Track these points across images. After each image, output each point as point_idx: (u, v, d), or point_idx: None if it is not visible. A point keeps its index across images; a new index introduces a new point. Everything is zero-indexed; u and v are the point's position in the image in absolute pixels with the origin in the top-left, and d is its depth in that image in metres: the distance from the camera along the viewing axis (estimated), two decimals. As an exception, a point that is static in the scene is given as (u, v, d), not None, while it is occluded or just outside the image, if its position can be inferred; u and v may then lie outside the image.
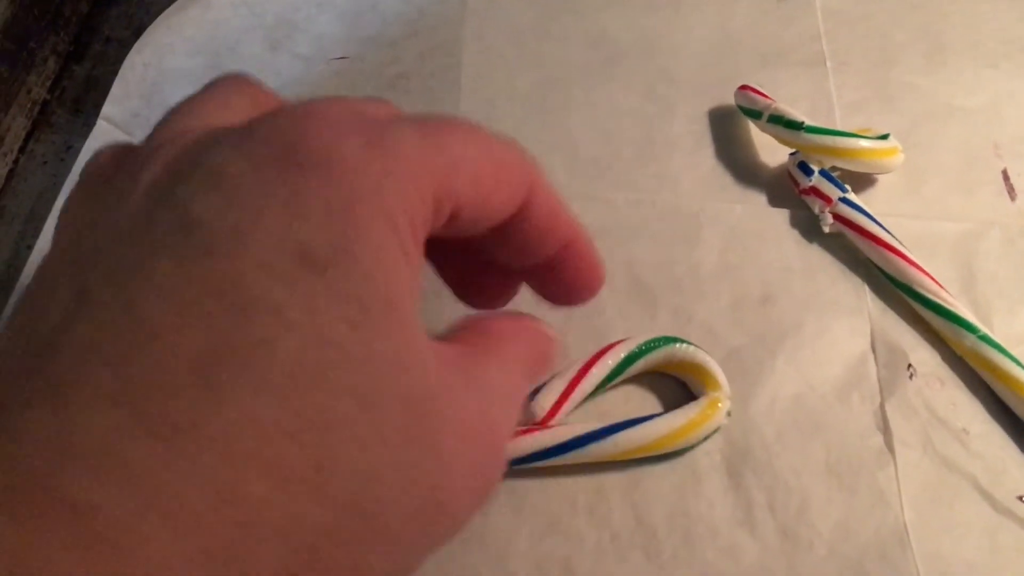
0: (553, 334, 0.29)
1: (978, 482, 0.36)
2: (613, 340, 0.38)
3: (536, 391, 0.36)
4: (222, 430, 0.17)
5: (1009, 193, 0.45)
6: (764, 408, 0.38)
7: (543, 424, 0.36)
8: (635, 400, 0.39)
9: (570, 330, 0.39)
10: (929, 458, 0.37)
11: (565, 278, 0.29)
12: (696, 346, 0.38)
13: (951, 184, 0.45)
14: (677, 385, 0.38)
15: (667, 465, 0.36)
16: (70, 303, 0.18)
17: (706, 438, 0.36)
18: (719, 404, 0.36)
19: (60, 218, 0.23)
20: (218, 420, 0.17)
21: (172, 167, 0.20)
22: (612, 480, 0.36)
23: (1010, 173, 0.46)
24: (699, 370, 0.37)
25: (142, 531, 0.16)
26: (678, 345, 0.37)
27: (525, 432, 0.35)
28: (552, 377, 0.37)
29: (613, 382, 0.37)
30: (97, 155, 0.24)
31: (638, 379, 0.39)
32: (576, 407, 0.37)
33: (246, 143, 0.20)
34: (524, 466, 0.35)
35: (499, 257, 0.28)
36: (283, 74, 0.48)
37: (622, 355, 0.37)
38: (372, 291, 0.19)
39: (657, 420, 0.36)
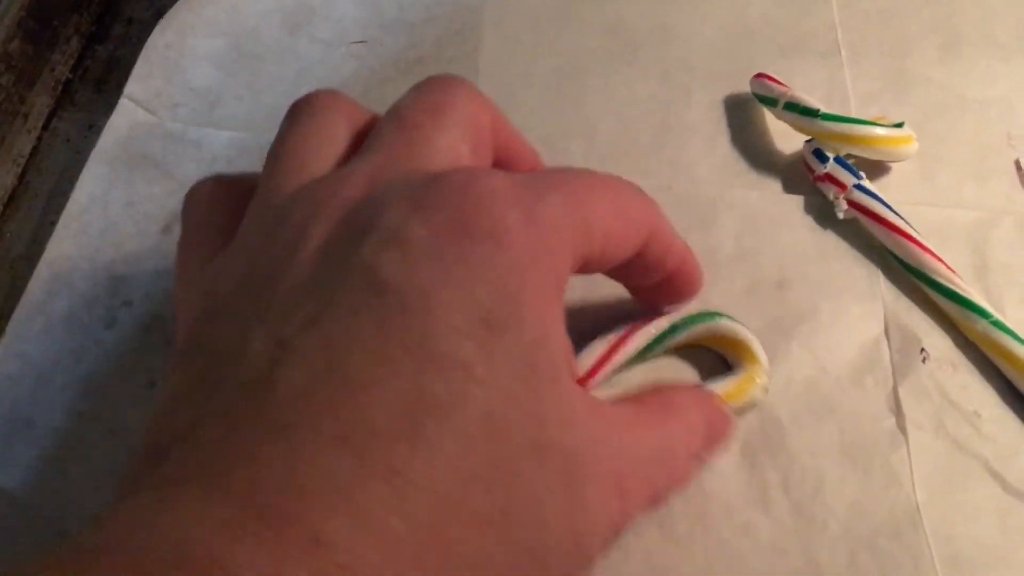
0: (728, 412, 0.33)
1: (989, 464, 0.37)
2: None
3: (577, 352, 0.36)
4: (429, 475, 0.18)
5: (1022, 183, 0.46)
6: (779, 391, 0.38)
7: (581, 384, 0.36)
8: (674, 370, 0.39)
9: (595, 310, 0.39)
10: (941, 440, 0.37)
11: (669, 293, 0.34)
12: (739, 322, 0.38)
13: (964, 173, 0.46)
14: (718, 359, 0.39)
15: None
16: (273, 350, 0.20)
17: (741, 413, 0.36)
18: (756, 379, 0.36)
19: (187, 256, 0.26)
20: (427, 466, 0.18)
21: (347, 226, 0.22)
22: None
23: (1023, 163, 0.46)
24: (739, 345, 0.37)
25: (373, 563, 0.17)
26: (721, 320, 0.38)
27: None
28: (594, 340, 0.37)
29: (654, 351, 0.37)
30: (199, 190, 0.27)
31: (679, 351, 0.39)
32: (616, 371, 0.37)
33: (421, 209, 0.22)
34: None
35: (622, 281, 0.32)
36: (303, 57, 0.48)
37: (665, 325, 0.37)
38: (540, 352, 0.21)
39: (692, 391, 0.36)
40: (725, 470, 0.36)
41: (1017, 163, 0.47)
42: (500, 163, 0.31)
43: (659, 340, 0.37)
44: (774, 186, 0.45)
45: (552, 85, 0.49)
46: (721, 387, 0.36)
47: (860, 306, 0.41)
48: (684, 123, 0.47)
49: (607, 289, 0.35)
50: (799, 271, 0.42)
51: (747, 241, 0.43)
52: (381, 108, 0.31)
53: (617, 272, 0.30)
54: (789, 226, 0.44)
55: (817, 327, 0.40)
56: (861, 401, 0.38)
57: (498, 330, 0.20)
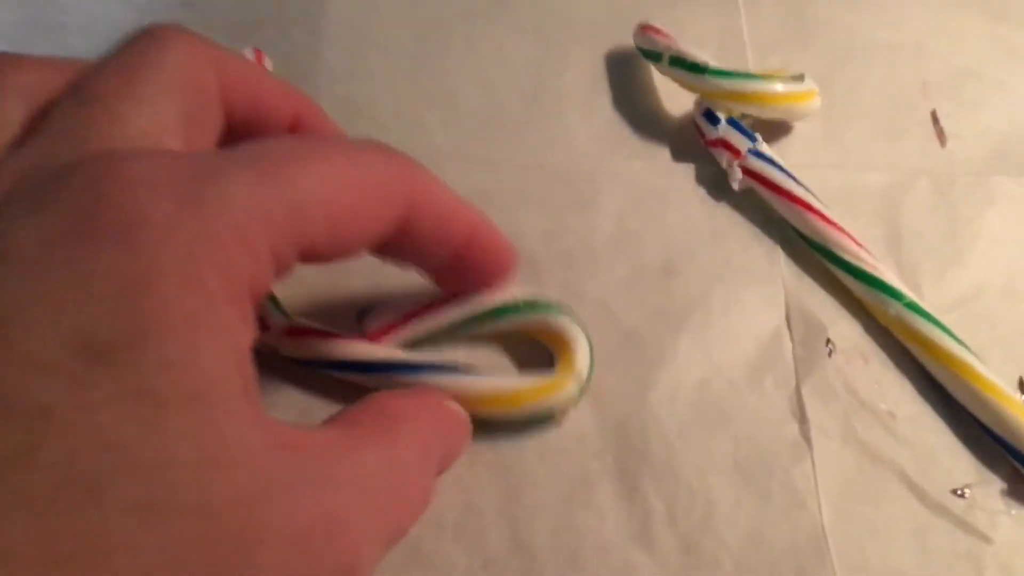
0: (463, 415, 0.28)
1: (906, 474, 0.32)
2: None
3: (372, 309, 0.32)
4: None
5: (939, 137, 0.41)
6: (665, 398, 0.33)
7: (372, 339, 0.31)
8: (485, 356, 0.33)
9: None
10: (851, 449, 0.32)
11: (471, 271, 0.29)
12: (574, 320, 0.32)
13: (875, 129, 0.41)
14: (549, 358, 0.33)
15: (551, 472, 0.31)
16: None
17: (538, 421, 0.31)
18: (563, 385, 0.31)
19: None
20: None
21: None
22: (486, 493, 0.30)
23: (940, 115, 0.41)
24: (563, 345, 0.32)
25: None
26: (552, 313, 0.32)
27: (334, 336, 0.31)
28: (400, 300, 0.32)
29: (474, 330, 0.32)
30: None
31: (508, 339, 0.33)
32: (418, 340, 0.32)
33: (37, 210, 0.17)
34: (319, 370, 0.31)
35: (399, 264, 0.27)
36: (113, 24, 0.41)
37: (489, 306, 0.31)
38: (172, 382, 0.17)
39: (481, 378, 0.31)
40: (600, 501, 0.31)
41: (933, 115, 0.41)
42: (252, 131, 0.25)
43: (479, 319, 0.31)
44: (662, 155, 0.39)
45: (408, 47, 0.42)
46: (514, 383, 0.31)
47: (758, 291, 0.36)
48: (559, 87, 0.41)
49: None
50: (688, 254, 0.36)
51: (630, 221, 0.37)
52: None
53: (385, 254, 0.25)
54: (678, 201, 0.38)
55: (709, 319, 0.35)
56: (759, 406, 0.33)
57: (104, 359, 0.16)
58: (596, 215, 0.37)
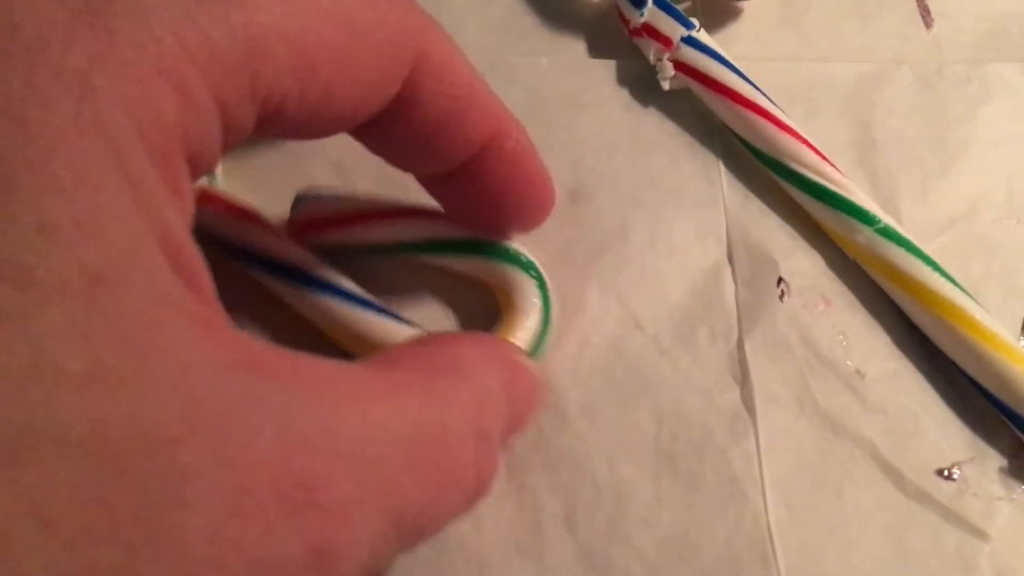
0: (539, 376, 0.21)
1: (878, 451, 0.25)
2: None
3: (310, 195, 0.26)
4: None
5: (923, 17, 0.33)
6: (567, 364, 0.25)
7: (292, 231, 0.26)
8: (426, 305, 0.27)
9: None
10: (807, 420, 0.25)
11: (491, 191, 0.22)
12: (537, 282, 0.25)
13: (845, 9, 0.33)
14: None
15: (414, 466, 0.23)
16: None
17: None
18: None
19: None
20: None
21: None
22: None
23: (924, -12, 0.33)
24: (511, 312, 0.25)
25: None
26: (514, 270, 0.25)
27: (251, 216, 0.25)
28: (348, 196, 0.26)
29: (423, 256, 0.26)
30: None
31: (458, 281, 0.27)
32: (352, 248, 0.26)
33: None
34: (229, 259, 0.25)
35: (393, 160, 0.21)
36: None
37: (457, 236, 0.25)
38: (53, 259, 0.12)
39: (391, 322, 0.24)
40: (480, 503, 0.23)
41: (916, -11, 0.33)
42: None
43: (430, 247, 0.26)
44: (574, 49, 0.31)
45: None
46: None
47: (692, 218, 0.28)
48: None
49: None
50: (604, 173, 0.29)
51: (530, 132, 0.29)
52: None
53: (377, 138, 0.20)
54: (593, 106, 0.30)
55: (627, 256, 0.27)
56: (690, 369, 0.26)
57: None
58: (488, 127, 0.29)
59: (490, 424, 0.18)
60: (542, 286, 0.25)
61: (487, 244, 0.25)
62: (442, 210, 0.25)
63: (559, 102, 0.30)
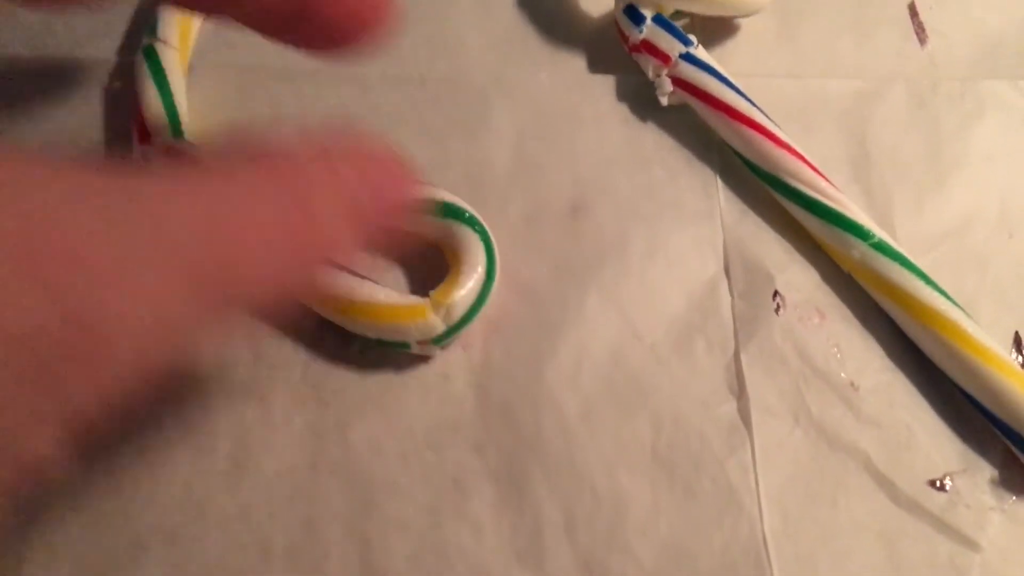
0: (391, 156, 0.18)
1: (871, 463, 0.25)
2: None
3: None
4: None
5: (918, 35, 0.33)
6: (567, 371, 0.26)
7: None
8: (374, 250, 0.26)
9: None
10: (802, 431, 0.25)
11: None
12: (484, 246, 0.26)
13: (841, 27, 0.33)
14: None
15: (416, 475, 0.24)
16: None
17: (393, 348, 0.26)
18: (420, 314, 0.25)
19: None
20: None
21: None
22: (330, 506, 0.23)
23: (919, 7, 0.34)
24: (453, 271, 0.26)
25: None
26: (463, 230, 0.26)
27: None
28: None
29: None
30: None
31: (404, 237, 0.26)
32: None
33: None
34: None
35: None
36: None
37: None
38: None
39: (343, 275, 0.25)
40: (477, 510, 0.24)
41: (911, 7, 0.34)
42: None
43: None
44: (575, 64, 0.32)
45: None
46: (374, 294, 0.25)
47: (690, 231, 0.28)
48: (452, -19, 0.33)
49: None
50: (604, 187, 0.29)
51: (533, 148, 0.30)
52: None
53: None
54: (594, 121, 0.31)
55: (626, 268, 0.28)
56: (688, 379, 0.26)
57: None
58: (490, 140, 0.30)
59: (313, 196, 0.17)
60: (486, 240, 0.26)
61: (434, 202, 0.26)
62: None
63: (560, 117, 0.31)
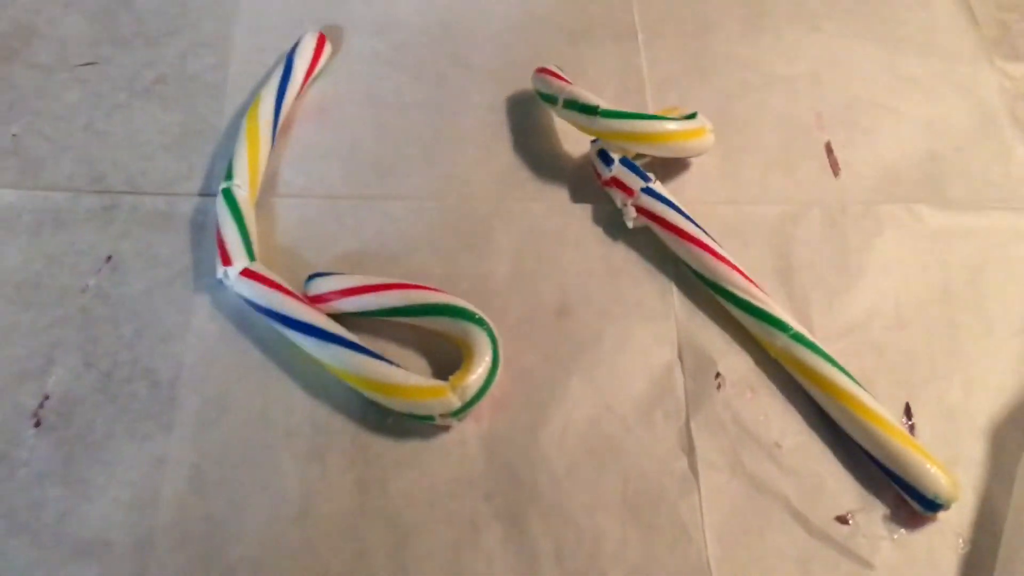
0: None
1: (791, 503, 0.32)
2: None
3: (319, 274, 0.36)
4: None
5: (832, 168, 0.42)
6: (556, 436, 0.33)
7: (313, 302, 0.35)
8: (406, 353, 0.36)
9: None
10: (738, 480, 0.33)
11: None
12: (491, 343, 0.34)
13: (771, 163, 0.42)
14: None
15: (441, 517, 0.31)
16: None
17: (419, 419, 0.33)
18: (441, 394, 0.32)
19: None
20: None
21: None
22: (376, 539, 0.31)
23: (834, 146, 0.42)
24: (467, 361, 0.33)
25: None
26: (475, 330, 0.34)
27: (279, 288, 0.35)
28: (346, 273, 0.36)
29: (403, 318, 0.35)
30: None
31: (428, 334, 0.36)
32: (354, 313, 0.35)
33: None
34: (259, 313, 0.35)
35: None
36: (17, 87, 0.42)
37: (428, 301, 0.35)
38: None
39: (382, 364, 0.33)
40: (488, 544, 0.31)
41: (827, 146, 0.42)
42: None
43: (409, 310, 0.35)
44: (560, 195, 0.40)
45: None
46: (406, 378, 0.33)
47: (651, 327, 0.36)
48: (458, 130, 0.42)
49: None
50: (583, 293, 0.37)
51: (526, 262, 0.38)
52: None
53: None
54: (575, 240, 0.39)
55: (601, 357, 0.35)
56: (650, 441, 0.33)
57: None
58: (492, 257, 0.38)
59: None
60: (491, 336, 0.34)
61: (451, 307, 0.34)
62: (416, 284, 0.34)
63: (548, 237, 0.39)
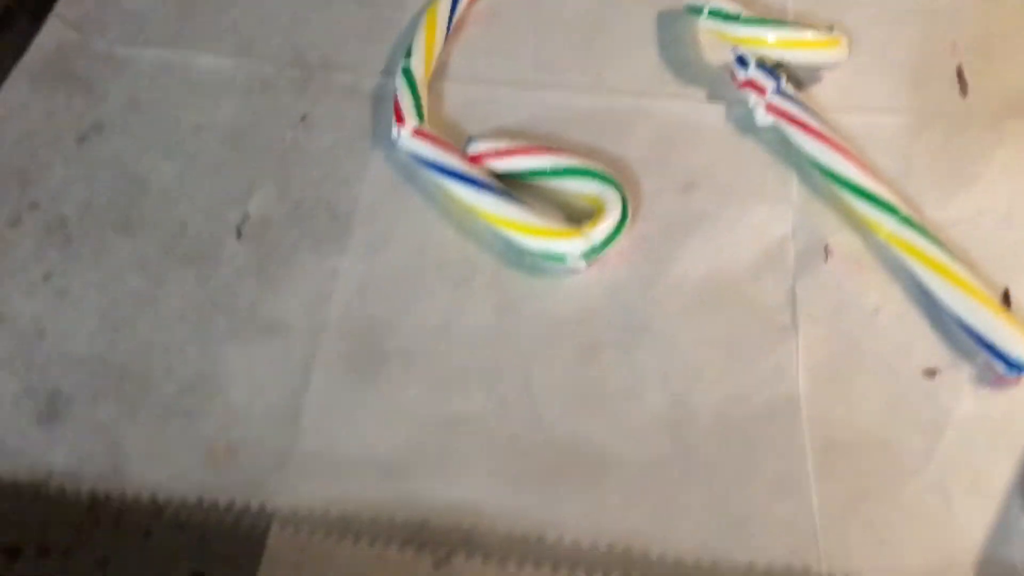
0: None
1: (882, 356, 0.36)
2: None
3: (476, 138, 0.41)
4: None
5: (961, 88, 0.44)
6: (671, 287, 0.38)
7: (473, 161, 0.40)
8: (547, 201, 0.40)
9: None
10: (835, 335, 0.36)
11: None
12: (620, 201, 0.38)
13: (901, 80, 0.44)
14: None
15: (563, 337, 0.36)
16: None
17: (551, 258, 0.38)
18: (569, 236, 0.37)
19: None
20: None
21: None
22: (506, 351, 0.36)
23: (965, 70, 0.44)
24: (597, 215, 0.38)
25: None
26: (609, 190, 0.39)
27: (444, 145, 0.40)
28: (499, 138, 0.41)
29: (547, 179, 0.40)
30: None
31: (569, 198, 0.40)
32: (504, 174, 0.40)
33: None
34: (426, 168, 0.40)
35: None
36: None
37: (572, 164, 0.40)
38: None
39: (525, 208, 0.38)
40: (603, 364, 0.36)
41: (959, 69, 0.45)
42: None
43: (553, 172, 0.40)
44: (698, 95, 0.44)
45: None
46: (540, 220, 0.38)
47: (769, 208, 0.40)
48: (612, 37, 0.46)
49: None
50: (709, 176, 0.41)
51: (660, 148, 0.42)
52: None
53: None
54: (707, 134, 0.43)
55: (719, 228, 0.39)
56: (757, 296, 0.37)
57: None
58: (629, 142, 0.42)
59: None
60: (623, 196, 0.38)
61: (591, 171, 0.39)
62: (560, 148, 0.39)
63: (683, 132, 0.42)
